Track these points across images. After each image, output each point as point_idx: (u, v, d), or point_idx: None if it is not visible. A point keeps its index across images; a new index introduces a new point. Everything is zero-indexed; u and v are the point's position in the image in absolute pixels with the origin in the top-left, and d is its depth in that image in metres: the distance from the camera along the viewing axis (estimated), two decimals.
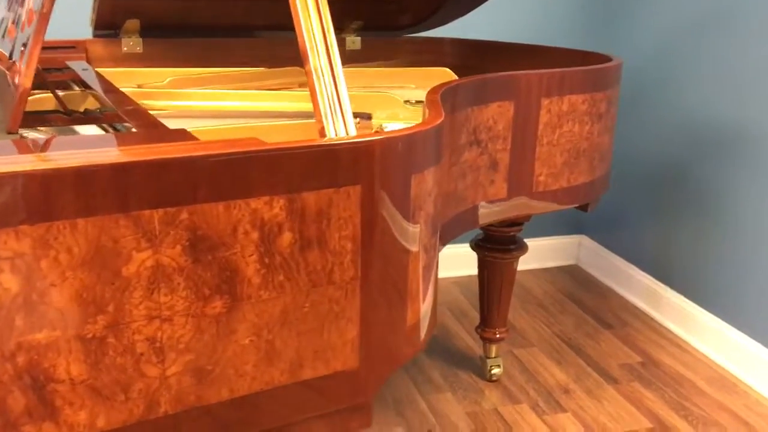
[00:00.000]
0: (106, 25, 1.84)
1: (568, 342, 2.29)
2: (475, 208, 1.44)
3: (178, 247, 0.78)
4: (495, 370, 2.08)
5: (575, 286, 2.69)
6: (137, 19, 1.84)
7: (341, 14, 2.08)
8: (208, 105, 1.54)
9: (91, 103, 1.44)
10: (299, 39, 0.94)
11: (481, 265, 2.04)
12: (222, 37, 1.96)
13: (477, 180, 1.43)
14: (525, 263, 2.69)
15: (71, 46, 1.79)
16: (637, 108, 2.49)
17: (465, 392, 2.03)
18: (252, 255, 0.83)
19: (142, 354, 0.79)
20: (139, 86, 1.61)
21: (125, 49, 1.85)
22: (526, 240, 2.72)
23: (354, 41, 2.11)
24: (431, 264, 1.00)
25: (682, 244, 2.33)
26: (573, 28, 2.60)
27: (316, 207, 0.85)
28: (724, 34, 2.13)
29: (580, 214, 2.74)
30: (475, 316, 2.17)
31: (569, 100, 1.52)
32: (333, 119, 0.90)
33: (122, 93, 1.45)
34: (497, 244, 1.99)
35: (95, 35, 1.85)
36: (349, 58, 2.06)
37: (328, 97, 0.91)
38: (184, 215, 0.78)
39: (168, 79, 1.64)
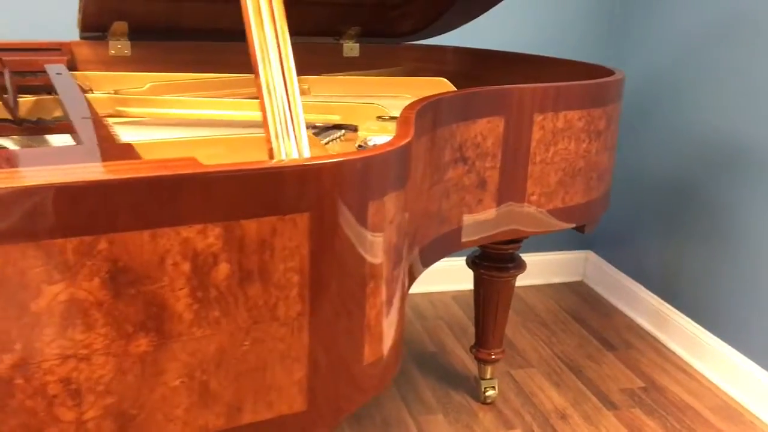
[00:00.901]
0: (94, 27, 1.77)
1: (568, 363, 2.19)
2: (460, 229, 1.34)
3: (97, 280, 0.70)
4: (489, 393, 1.98)
5: (580, 303, 2.58)
6: (125, 22, 1.77)
7: (338, 20, 2.00)
8: (186, 113, 1.45)
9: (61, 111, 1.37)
10: (249, 49, 0.85)
11: (477, 283, 1.95)
12: (216, 41, 1.88)
13: (463, 199, 1.33)
14: (529, 278, 2.59)
15: (56, 48, 1.72)
16: (648, 121, 2.38)
17: (457, 414, 1.93)
18: (183, 289, 0.74)
19: (55, 396, 0.71)
20: (116, 92, 1.54)
21: (113, 51, 1.78)
22: (530, 254, 2.63)
23: (352, 48, 2.03)
24: (394, 297, 0.91)
25: (690, 264, 2.22)
26: (584, 38, 2.49)
27: (257, 236, 0.76)
28: (738, 47, 2.02)
29: None
30: (474, 334, 2.07)
31: (565, 116, 1.42)
32: (284, 139, 0.81)
33: (87, 100, 1.37)
34: (494, 262, 1.89)
35: (82, 37, 1.78)
36: (347, 65, 1.98)
37: (279, 114, 0.82)
38: (103, 245, 0.69)
39: (148, 85, 1.56)
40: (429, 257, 1.28)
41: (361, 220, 0.83)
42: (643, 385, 2.10)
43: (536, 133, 1.40)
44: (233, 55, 1.88)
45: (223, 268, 0.76)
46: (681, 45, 2.24)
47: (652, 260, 2.39)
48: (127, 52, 1.78)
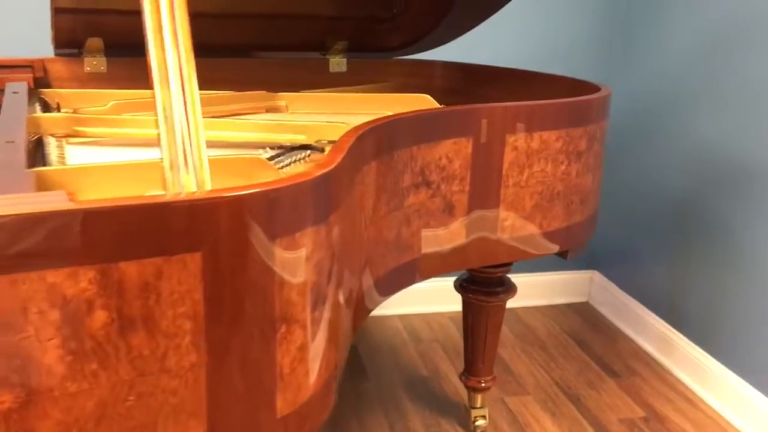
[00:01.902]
0: (68, 44, 1.71)
1: (566, 391, 2.07)
2: (425, 257, 1.25)
3: None
4: (479, 422, 1.88)
5: (583, 326, 2.46)
6: (100, 38, 1.71)
7: (324, 34, 1.92)
8: (145, 133, 1.38)
9: None
10: (148, 66, 0.77)
11: (466, 307, 1.84)
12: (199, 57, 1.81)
13: (428, 225, 1.24)
14: (532, 299, 2.48)
15: (27, 66, 1.66)
16: (652, 138, 2.26)
17: None
18: (52, 339, 0.66)
19: None
20: (75, 111, 1.47)
21: (88, 68, 1.72)
22: (533, 274, 2.52)
23: (339, 63, 1.94)
24: (315, 340, 0.82)
25: (697, 288, 2.09)
26: (586, 53, 2.38)
27: (139, 280, 0.68)
28: (745, 61, 1.89)
29: (593, 248, 2.52)
30: None
31: (540, 136, 1.32)
32: (180, 170, 0.73)
33: (36, 121, 1.30)
34: (482, 286, 1.78)
35: (57, 54, 1.72)
36: (333, 81, 1.89)
37: (177, 141, 0.74)
38: None
39: (111, 103, 1.49)
40: (388, 287, 1.18)
41: (267, 259, 0.74)
42: (644, 414, 1.97)
43: (509, 155, 1.29)
44: (213, 72, 1.81)
45: (100, 316, 0.67)
46: (685, 60, 2.12)
47: (658, 282, 2.26)
48: (102, 68, 1.72)
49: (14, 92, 1.41)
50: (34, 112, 1.45)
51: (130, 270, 0.67)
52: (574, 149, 1.37)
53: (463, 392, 2.01)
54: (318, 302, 0.82)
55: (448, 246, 1.28)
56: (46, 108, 1.52)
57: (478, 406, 1.89)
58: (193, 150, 0.73)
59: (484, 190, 1.29)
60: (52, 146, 1.29)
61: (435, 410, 1.96)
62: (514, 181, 1.31)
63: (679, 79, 2.13)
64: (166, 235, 0.68)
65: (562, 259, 2.53)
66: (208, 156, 1.17)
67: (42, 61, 1.68)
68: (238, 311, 0.73)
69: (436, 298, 2.40)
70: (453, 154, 1.24)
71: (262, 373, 0.76)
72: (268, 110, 1.68)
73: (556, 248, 1.41)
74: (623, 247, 2.42)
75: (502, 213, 1.32)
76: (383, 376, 2.11)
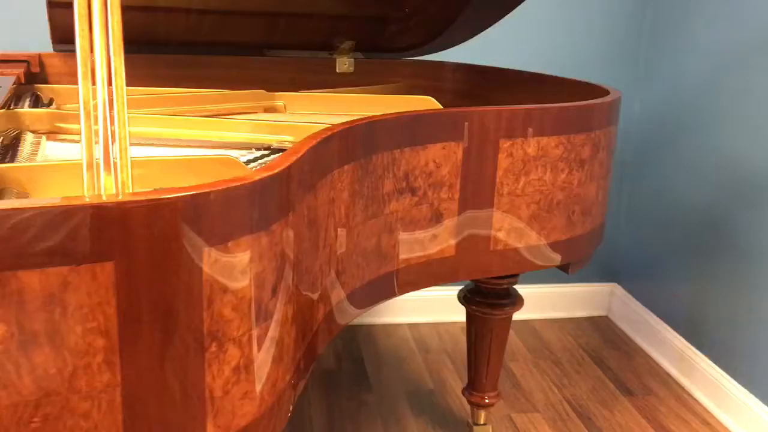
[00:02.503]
0: (67, 39, 1.66)
1: (577, 409, 1.97)
2: (409, 267, 1.16)
3: None
4: None
5: (601, 341, 2.34)
6: None
7: (332, 34, 1.85)
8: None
9: None
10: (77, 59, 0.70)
11: (469, 320, 1.75)
12: (198, 54, 1.76)
13: (412, 234, 1.16)
14: (548, 311, 2.38)
15: (23, 60, 1.62)
16: (678, 148, 2.15)
17: None
18: None
19: None
20: (58, 107, 1.42)
21: None
22: (550, 286, 2.42)
23: (346, 63, 1.87)
24: (256, 360, 0.74)
25: (720, 305, 1.97)
26: (609, 57, 2.27)
27: (42, 291, 0.61)
28: None
29: (613, 259, 2.41)
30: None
31: (538, 142, 1.23)
32: (100, 170, 0.66)
33: (11, 114, 1.25)
34: (487, 298, 1.69)
35: (56, 49, 1.68)
36: (340, 82, 1.82)
37: (100, 139, 0.67)
38: None
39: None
40: (365, 299, 1.10)
41: (192, 271, 0.66)
42: None
43: (503, 162, 1.21)
44: (213, 69, 1.76)
45: None
46: (712, 69, 2.00)
47: (679, 298, 2.15)
48: None
49: None
50: (23, 107, 1.40)
51: (32, 280, 0.61)
52: (575, 157, 1.27)
53: (469, 408, 1.92)
54: (259, 318, 0.74)
55: (435, 256, 1.19)
56: (38, 104, 1.47)
57: (482, 423, 1.80)
58: (117, 149, 0.66)
59: (476, 198, 1.20)
60: (27, 142, 1.24)
61: (437, 426, 1.87)
62: (509, 190, 1.22)
63: (706, 89, 2.02)
64: (72, 242, 0.61)
65: (582, 271, 2.44)
66: (180, 156, 1.11)
67: (39, 56, 1.64)
68: (159, 328, 0.66)
69: (447, 307, 2.31)
70: (441, 159, 1.15)
71: (188, 396, 0.69)
72: (266, 110, 1.61)
73: (555, 261, 1.32)
74: (645, 260, 2.31)
75: (496, 223, 1.23)
76: (387, 387, 2.03)
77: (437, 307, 2.34)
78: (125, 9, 1.69)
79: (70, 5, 1.57)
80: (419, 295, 2.26)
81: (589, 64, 2.23)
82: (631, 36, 2.27)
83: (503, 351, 1.77)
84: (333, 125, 0.97)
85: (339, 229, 0.99)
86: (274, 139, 1.29)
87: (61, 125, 1.33)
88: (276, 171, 0.73)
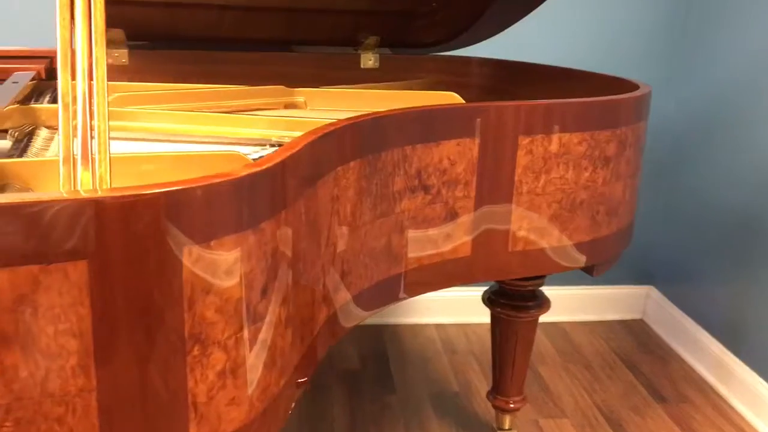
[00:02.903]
0: None
1: (608, 415, 1.90)
2: (422, 268, 1.12)
3: None
4: None
5: (635, 345, 2.27)
6: (121, 29, 1.64)
7: (356, 29, 1.81)
8: (141, 126, 1.30)
9: None
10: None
11: (494, 322, 1.70)
12: (218, 50, 1.74)
13: (425, 234, 1.11)
14: (581, 314, 2.31)
15: (46, 57, 1.61)
16: (718, 147, 2.06)
17: None
18: None
19: None
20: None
21: (109, 60, 1.65)
22: (583, 287, 2.35)
23: (371, 59, 1.83)
24: (244, 364, 0.71)
25: (759, 309, 1.88)
26: (645, 54, 2.19)
27: (12, 290, 0.58)
28: None
29: (648, 260, 2.33)
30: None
31: (560, 139, 1.17)
32: (78, 164, 0.63)
33: (27, 110, 1.24)
34: (512, 300, 1.64)
35: None
36: (364, 78, 1.78)
37: (78, 132, 0.64)
38: None
39: (114, 95, 1.42)
40: (374, 300, 1.06)
41: (171, 271, 0.63)
42: None
43: (522, 159, 1.16)
44: (234, 66, 1.73)
45: None
46: (754, 66, 1.91)
47: (717, 302, 2.06)
48: (124, 60, 1.66)
49: (14, 82, 1.36)
50: (44, 103, 1.39)
51: (1, 279, 0.58)
52: (600, 154, 1.21)
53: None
54: (248, 320, 0.71)
55: (450, 256, 1.15)
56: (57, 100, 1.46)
57: (506, 428, 1.75)
58: (96, 143, 0.63)
59: (493, 197, 1.15)
60: (40, 137, 1.23)
61: (462, 430, 1.83)
62: (529, 188, 1.17)
63: (744, 87, 1.93)
64: (43, 240, 0.58)
65: (616, 272, 2.36)
66: (187, 151, 1.08)
67: None
68: (136, 330, 0.63)
69: (474, 308, 2.25)
70: (456, 156, 1.11)
71: (169, 402, 0.66)
72: (286, 106, 1.58)
73: (579, 263, 1.26)
74: (681, 262, 2.23)
75: (515, 223, 1.18)
76: (411, 388, 1.98)
77: (465, 307, 2.29)
78: (146, 5, 1.67)
79: None
80: (447, 296, 2.22)
81: (625, 62, 2.16)
82: (667, 33, 2.19)
83: (529, 354, 1.71)
84: (338, 120, 0.94)
85: (344, 228, 0.95)
86: (289, 136, 1.26)
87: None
88: (266, 167, 0.70)
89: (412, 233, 1.09)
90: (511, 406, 1.73)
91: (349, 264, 0.98)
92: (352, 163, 0.94)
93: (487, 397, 1.76)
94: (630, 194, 1.31)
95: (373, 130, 0.98)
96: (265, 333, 0.74)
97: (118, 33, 1.65)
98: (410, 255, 1.10)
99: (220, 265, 0.66)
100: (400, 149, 1.03)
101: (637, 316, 2.42)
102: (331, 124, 0.91)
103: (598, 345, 2.26)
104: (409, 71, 1.83)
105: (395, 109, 1.02)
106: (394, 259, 1.07)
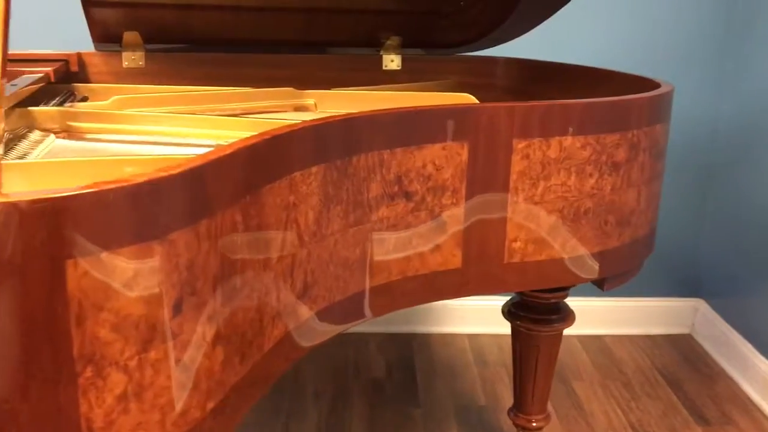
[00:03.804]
0: (106, 38, 1.63)
1: None
2: (405, 281, 1.04)
3: None
4: None
5: (679, 362, 2.12)
6: (136, 32, 1.62)
7: (377, 28, 1.74)
8: (136, 128, 1.27)
9: None
10: None
11: (514, 336, 1.60)
12: (234, 52, 1.69)
13: (408, 243, 1.03)
14: (624, 327, 2.18)
15: (62, 60, 1.60)
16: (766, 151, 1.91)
17: None
18: None
19: None
20: (71, 105, 1.37)
21: (126, 63, 1.64)
22: (627, 299, 2.21)
23: (393, 60, 1.75)
24: (144, 388, 0.64)
25: None
26: (689, 57, 2.05)
27: None
28: None
29: (697, 272, 2.18)
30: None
31: (560, 142, 1.07)
32: None
33: (23, 112, 1.22)
34: (533, 313, 1.53)
35: (98, 49, 1.65)
36: (386, 79, 1.71)
37: None
38: None
39: (113, 98, 1.39)
40: (349, 314, 0.99)
41: (53, 286, 0.57)
42: None
43: (518, 164, 1.06)
44: (252, 68, 1.68)
45: None
46: None
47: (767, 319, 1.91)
48: (141, 63, 1.63)
49: (13, 84, 1.34)
50: (52, 105, 1.37)
51: None
52: (607, 159, 1.11)
53: None
54: (155, 340, 0.64)
55: (438, 268, 1.06)
56: (66, 102, 1.44)
57: None
58: None
59: (485, 205, 1.06)
60: (28, 140, 1.20)
61: None
62: (526, 196, 1.07)
63: None
64: None
65: (663, 284, 2.22)
66: (172, 154, 1.04)
67: (79, 55, 1.61)
68: (16, 351, 0.57)
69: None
70: (442, 161, 1.02)
71: (56, 427, 0.60)
72: (296, 108, 1.52)
73: (586, 277, 1.16)
74: (733, 274, 2.07)
75: (510, 233, 1.08)
76: (436, 401, 1.90)
77: (499, 317, 2.18)
78: (160, 7, 1.64)
79: (107, 4, 1.53)
80: (480, 305, 2.12)
81: (669, 60, 2.02)
82: (718, 30, 2.04)
83: (552, 370, 1.60)
84: (301, 122, 0.87)
85: (305, 237, 0.88)
86: None
87: (72, 123, 1.29)
88: (173, 172, 0.63)
89: (393, 243, 1.01)
90: (534, 424, 1.63)
91: (314, 276, 0.91)
92: (314, 168, 0.87)
93: (509, 414, 1.65)
94: (646, 202, 1.20)
95: (341, 132, 0.90)
96: (182, 353, 0.67)
97: (134, 36, 1.63)
98: (393, 265, 1.02)
99: (114, 279, 0.60)
100: (376, 153, 0.96)
101: (684, 330, 2.27)
102: (286, 126, 0.84)
103: (640, 360, 2.12)
104: (433, 72, 1.75)
105: (369, 111, 0.94)
106: (372, 270, 0.99)
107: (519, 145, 1.05)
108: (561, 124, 1.06)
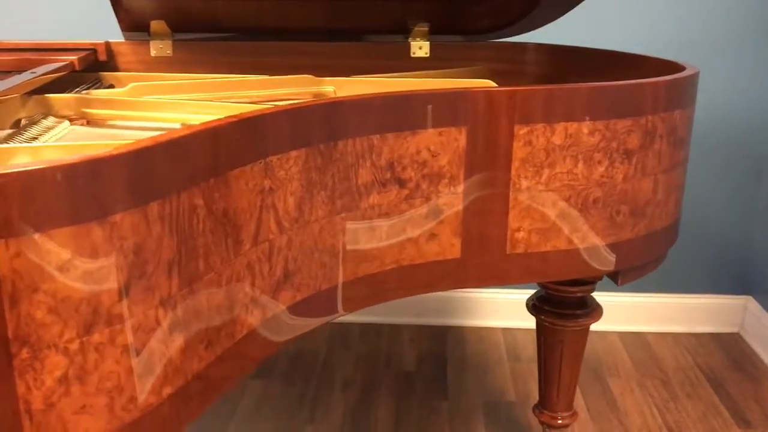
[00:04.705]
0: (134, 27, 1.65)
1: None
2: (401, 270, 1.01)
3: None
4: None
5: (725, 362, 2.02)
6: (163, 21, 1.63)
7: (403, 14, 1.71)
8: (149, 115, 1.27)
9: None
10: None
11: (539, 331, 1.55)
12: (261, 41, 1.69)
13: (403, 231, 1.00)
14: (670, 324, 2.10)
15: (90, 49, 1.62)
16: None
17: None
18: None
19: None
20: (87, 92, 1.39)
21: (154, 52, 1.65)
22: (673, 296, 2.12)
23: (421, 47, 1.72)
24: (87, 371, 0.63)
25: None
26: (744, 44, 1.94)
27: None
28: None
29: (747, 268, 2.08)
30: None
31: (565, 129, 1.02)
32: None
33: (40, 99, 1.24)
34: (557, 307, 1.48)
35: (126, 38, 1.67)
36: (414, 67, 1.68)
37: None
38: None
39: (130, 85, 1.39)
40: (339, 303, 0.96)
41: None
42: None
43: (520, 151, 1.01)
44: (278, 57, 1.67)
45: None
46: None
47: None
48: (168, 52, 1.64)
49: (32, 72, 1.36)
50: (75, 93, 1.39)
51: None
52: (619, 146, 1.05)
53: None
54: (98, 323, 0.63)
55: (436, 258, 1.03)
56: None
57: None
58: None
59: (486, 193, 1.02)
60: (40, 125, 1.22)
61: None
62: (529, 184, 1.03)
63: None
64: None
65: (711, 280, 2.12)
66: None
67: (107, 44, 1.63)
68: None
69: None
70: (438, 147, 0.98)
71: None
72: (315, 96, 1.50)
73: (595, 270, 1.10)
74: None
75: (513, 222, 1.04)
76: (464, 395, 1.86)
77: None
78: None
79: None
80: (516, 298, 2.07)
81: (719, 45, 1.92)
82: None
83: (578, 367, 1.55)
84: (277, 106, 0.85)
85: (285, 223, 0.85)
86: None
87: (87, 110, 1.30)
88: (115, 152, 0.62)
89: (386, 231, 0.98)
90: (559, 422, 1.58)
91: (297, 263, 0.88)
92: (293, 153, 0.85)
93: (533, 411, 1.60)
94: (665, 193, 1.13)
95: (323, 117, 0.88)
96: (132, 337, 0.66)
97: (161, 25, 1.63)
98: (386, 254, 0.99)
99: (49, 261, 0.59)
100: (365, 138, 0.93)
101: (732, 329, 2.16)
102: (257, 110, 0.82)
103: (682, 359, 2.03)
104: (461, 60, 1.70)
105: (355, 95, 0.92)
106: (364, 257, 0.97)
107: (521, 131, 1.00)
108: (566, 108, 1.01)
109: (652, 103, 1.06)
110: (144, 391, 0.68)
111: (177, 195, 0.69)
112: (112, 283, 0.63)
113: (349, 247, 0.95)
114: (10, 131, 1.14)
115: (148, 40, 1.64)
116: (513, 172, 1.02)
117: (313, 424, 1.73)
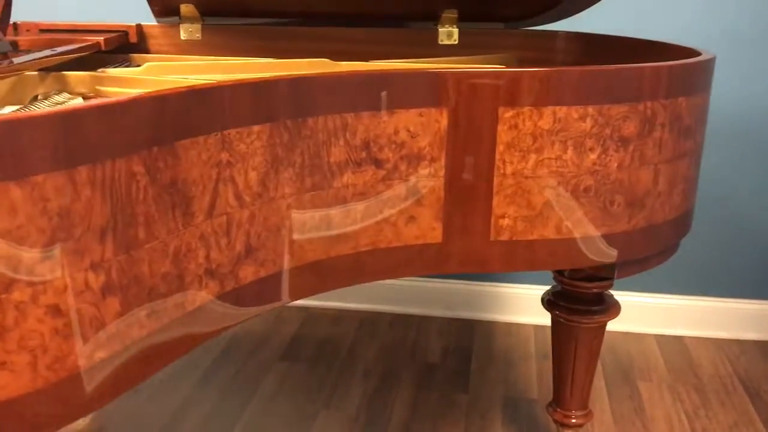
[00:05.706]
0: (165, 11, 1.68)
1: None
2: (376, 252, 0.99)
3: None
4: None
5: (766, 370, 1.92)
6: (192, 5, 1.66)
7: (431, 1, 1.68)
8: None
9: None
10: None
11: (554, 327, 1.50)
12: (296, 26, 1.70)
13: (380, 212, 0.98)
14: (711, 329, 2.01)
15: (122, 31, 1.66)
16: None
17: None
18: None
19: None
20: (102, 71, 1.41)
21: (184, 35, 1.68)
22: (717, 299, 2.03)
23: (450, 34, 1.69)
24: (5, 329, 0.64)
25: None
26: None
27: None
28: None
29: None
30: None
31: (554, 113, 0.98)
32: None
33: (58, 76, 1.28)
34: (572, 302, 1.43)
35: (159, 21, 1.70)
36: (442, 54, 1.65)
37: None
38: None
39: (146, 65, 1.42)
40: (309, 284, 0.95)
41: None
42: None
43: (504, 135, 0.98)
44: (304, 41, 1.68)
45: None
46: None
47: None
48: (198, 35, 1.67)
49: (52, 50, 1.40)
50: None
51: None
52: (614, 133, 1.00)
53: None
54: (19, 282, 0.64)
55: (415, 242, 1.00)
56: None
57: None
58: None
59: (468, 177, 0.99)
60: (51, 100, 1.25)
61: None
62: (514, 170, 0.99)
63: None
64: None
65: (759, 285, 2.01)
66: None
67: (139, 26, 1.66)
68: None
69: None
70: (418, 128, 0.96)
71: None
72: None
73: (587, 261, 1.05)
74: None
75: (497, 208, 1.01)
76: (485, 389, 1.82)
77: None
78: None
79: None
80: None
81: (749, 34, 1.82)
82: None
83: (593, 365, 1.49)
84: (235, 79, 0.84)
85: (246, 198, 0.85)
86: None
87: (100, 87, 1.33)
88: (36, 114, 0.62)
89: (361, 211, 0.96)
90: (573, 421, 1.52)
91: (260, 239, 0.88)
92: (255, 127, 0.84)
93: (547, 409, 1.56)
94: (667, 184, 1.07)
95: (290, 92, 0.87)
96: (58, 298, 0.67)
97: (191, 8, 1.66)
98: (361, 235, 0.97)
99: None
100: (338, 116, 0.91)
101: None
102: (218, 82, 0.81)
103: (719, 365, 1.93)
104: (490, 47, 1.66)
105: (328, 72, 0.90)
106: (337, 237, 0.95)
107: (506, 114, 0.97)
108: (555, 92, 0.97)
109: (651, 88, 1.00)
110: (72, 353, 0.69)
111: (111, 161, 0.69)
112: (32, 243, 0.64)
113: (321, 225, 0.93)
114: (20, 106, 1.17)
115: (179, 24, 1.67)
116: (497, 156, 0.98)
117: (328, 408, 1.73)
